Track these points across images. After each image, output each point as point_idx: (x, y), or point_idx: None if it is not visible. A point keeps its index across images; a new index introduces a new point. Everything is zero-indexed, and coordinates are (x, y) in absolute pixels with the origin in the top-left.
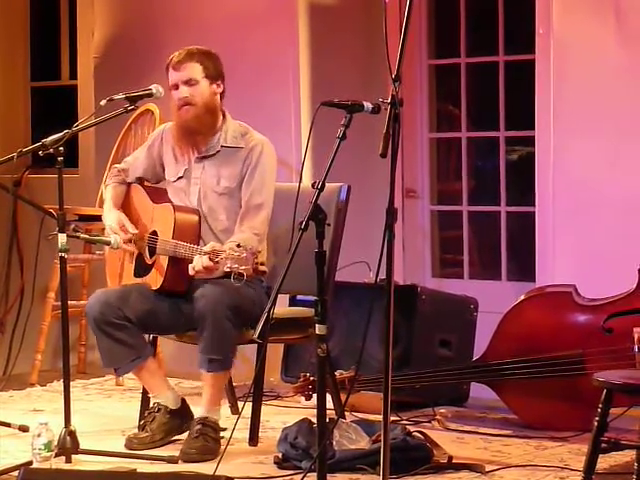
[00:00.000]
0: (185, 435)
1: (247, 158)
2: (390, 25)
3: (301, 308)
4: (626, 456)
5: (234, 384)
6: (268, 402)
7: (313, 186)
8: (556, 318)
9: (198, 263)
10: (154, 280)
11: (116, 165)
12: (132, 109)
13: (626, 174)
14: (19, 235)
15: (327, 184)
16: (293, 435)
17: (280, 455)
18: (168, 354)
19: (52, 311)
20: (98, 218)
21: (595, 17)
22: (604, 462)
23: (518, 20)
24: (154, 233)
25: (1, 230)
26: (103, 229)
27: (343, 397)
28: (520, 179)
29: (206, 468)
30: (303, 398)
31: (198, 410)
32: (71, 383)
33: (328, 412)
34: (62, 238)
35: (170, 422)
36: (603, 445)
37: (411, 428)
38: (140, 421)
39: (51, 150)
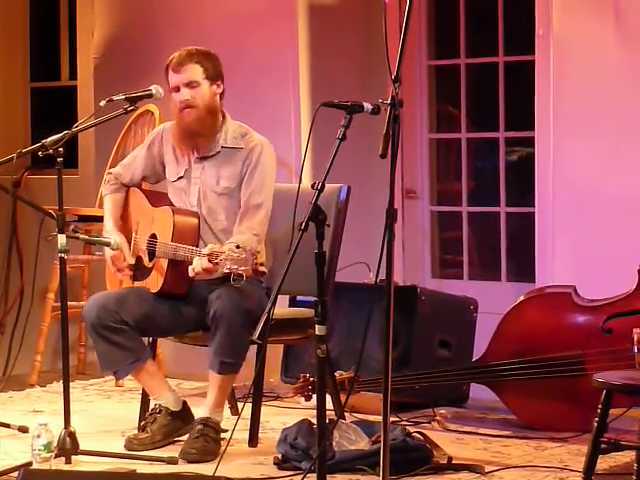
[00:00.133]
0: (185, 437)
1: (247, 158)
2: (390, 25)
3: (301, 309)
4: (626, 457)
5: (234, 385)
6: (268, 403)
7: (313, 187)
8: (556, 319)
9: (198, 265)
10: (154, 283)
11: (111, 170)
12: (132, 110)
13: (626, 174)
14: (19, 236)
15: (327, 185)
16: (293, 436)
17: (280, 456)
18: (168, 355)
19: (52, 312)
20: (98, 219)
21: (595, 17)
22: (604, 463)
23: (518, 21)
24: (153, 236)
25: (1, 231)
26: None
27: (343, 398)
28: (520, 180)
29: (206, 469)
30: (303, 399)
31: (200, 410)
32: (71, 384)
33: (328, 413)
34: (62, 239)
35: (171, 424)
36: (603, 446)
37: (411, 429)
38: (140, 422)
39: (51, 151)
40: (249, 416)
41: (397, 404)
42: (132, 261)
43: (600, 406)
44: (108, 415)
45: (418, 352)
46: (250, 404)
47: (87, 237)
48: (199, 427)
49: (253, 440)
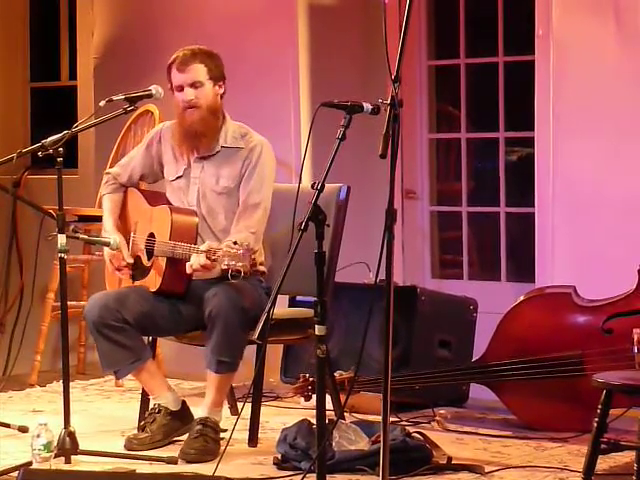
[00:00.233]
0: (185, 437)
1: (247, 158)
2: (390, 26)
3: (301, 309)
4: (626, 457)
5: (233, 385)
6: (267, 403)
7: (313, 187)
8: (555, 319)
9: (195, 261)
10: (152, 282)
11: (109, 171)
12: (132, 110)
13: (626, 174)
14: (18, 236)
15: (327, 185)
16: (292, 436)
17: (279, 456)
18: (168, 355)
19: (52, 312)
20: (97, 219)
21: (595, 17)
22: (604, 463)
23: (518, 21)
24: (151, 235)
25: (1, 231)
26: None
27: (342, 398)
28: (520, 180)
29: (205, 469)
30: (302, 399)
31: (199, 410)
32: (70, 384)
33: (327, 413)
34: (61, 239)
35: (170, 423)
36: (603, 446)
37: (410, 429)
38: (140, 422)
39: (50, 151)
40: (249, 416)
41: (397, 404)
42: (130, 261)
43: (600, 406)
44: (108, 415)
45: (418, 352)
46: (250, 404)
47: (87, 237)
48: (198, 427)
49: (253, 440)
